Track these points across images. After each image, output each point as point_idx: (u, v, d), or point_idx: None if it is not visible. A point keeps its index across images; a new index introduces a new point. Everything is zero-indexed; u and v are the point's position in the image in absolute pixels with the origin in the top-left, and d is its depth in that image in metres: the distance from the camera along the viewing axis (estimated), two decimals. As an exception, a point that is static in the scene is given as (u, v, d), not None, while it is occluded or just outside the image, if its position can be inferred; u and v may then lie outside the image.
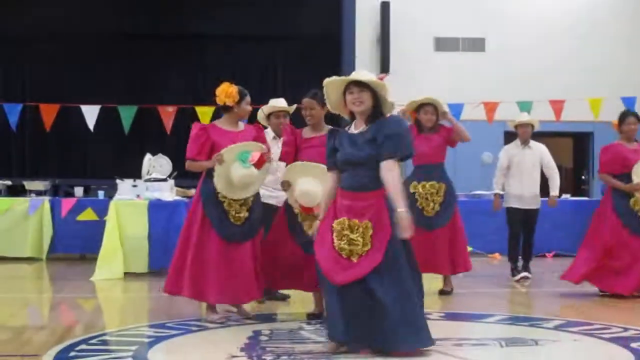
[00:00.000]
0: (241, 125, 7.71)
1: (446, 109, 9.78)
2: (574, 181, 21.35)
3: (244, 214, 7.43)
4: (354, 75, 6.08)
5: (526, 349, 6.28)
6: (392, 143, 5.90)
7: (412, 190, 9.26)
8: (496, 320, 7.67)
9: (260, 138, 7.65)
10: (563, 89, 17.56)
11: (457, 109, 15.46)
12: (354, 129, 6.10)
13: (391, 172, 5.88)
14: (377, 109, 6.04)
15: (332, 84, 6.09)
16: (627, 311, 8.63)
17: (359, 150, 5.95)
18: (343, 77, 6.09)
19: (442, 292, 9.42)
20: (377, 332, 5.76)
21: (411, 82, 18.72)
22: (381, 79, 6.21)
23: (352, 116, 6.15)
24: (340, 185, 6.07)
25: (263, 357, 5.82)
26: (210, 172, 7.38)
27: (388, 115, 6.13)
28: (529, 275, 11.00)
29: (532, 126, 11.19)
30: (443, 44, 19.83)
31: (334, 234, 5.92)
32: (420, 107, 9.50)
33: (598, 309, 8.87)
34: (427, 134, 9.40)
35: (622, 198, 9.40)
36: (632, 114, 9.91)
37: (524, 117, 11.42)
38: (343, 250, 5.87)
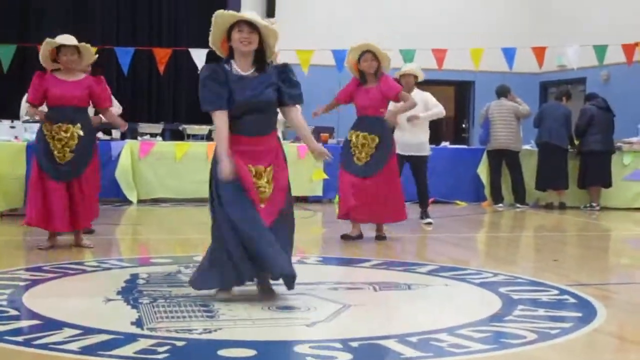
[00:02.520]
0: (81, 75, 8.24)
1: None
2: (455, 129, 21.72)
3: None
4: (248, 15, 5.96)
5: (399, 293, 6.42)
6: (297, 91, 6.10)
7: (349, 138, 9.42)
8: (371, 265, 7.80)
9: (93, 88, 8.40)
10: (446, 38, 17.78)
11: (340, 55, 15.56)
12: (240, 71, 5.97)
13: (300, 116, 6.26)
14: (261, 53, 6.00)
15: (223, 17, 5.93)
16: (495, 258, 8.92)
17: (262, 94, 5.93)
18: (235, 13, 5.96)
19: (377, 238, 9.56)
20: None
21: (297, 26, 18.76)
22: (272, 25, 6.15)
23: (229, 56, 6.03)
24: (237, 131, 5.91)
25: (140, 300, 5.83)
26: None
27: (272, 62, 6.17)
28: (430, 221, 11.28)
29: (416, 77, 11.24)
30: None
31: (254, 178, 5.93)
32: (360, 55, 9.23)
33: (468, 254, 9.13)
34: (367, 86, 9.26)
35: None
36: None
37: (407, 68, 11.48)
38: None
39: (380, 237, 9.56)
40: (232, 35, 5.91)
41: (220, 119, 5.87)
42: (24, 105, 11.75)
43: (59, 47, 8.30)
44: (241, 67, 5.98)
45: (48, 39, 8.29)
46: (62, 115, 8.28)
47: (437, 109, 11.72)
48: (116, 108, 10.20)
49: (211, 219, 6.01)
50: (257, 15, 6.06)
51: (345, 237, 9.53)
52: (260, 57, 6.01)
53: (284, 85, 6.03)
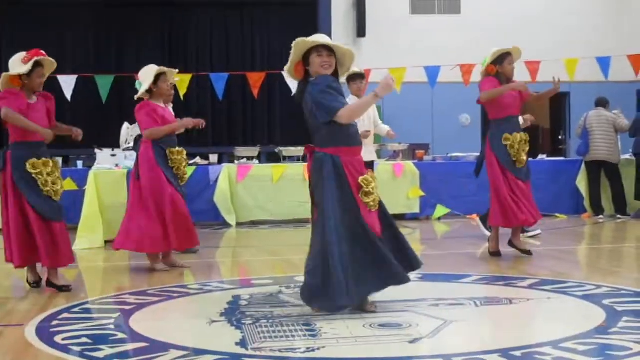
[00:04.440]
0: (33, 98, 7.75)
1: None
2: (551, 141, 21.51)
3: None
4: (326, 40, 6.21)
5: (501, 308, 6.39)
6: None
7: (504, 143, 9.13)
8: (472, 280, 7.78)
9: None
10: (538, 50, 17.60)
11: (434, 71, 15.56)
12: None
13: None
14: (335, 74, 6.27)
15: (303, 44, 6.20)
16: (598, 270, 8.80)
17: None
18: (313, 39, 6.21)
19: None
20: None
21: (388, 45, 18.86)
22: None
23: (304, 78, 6.29)
24: (346, 143, 6.18)
25: (243, 321, 5.91)
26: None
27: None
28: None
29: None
30: (419, 7, 19.85)
31: (360, 192, 6.12)
32: (502, 57, 9.18)
33: (570, 267, 9.02)
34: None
35: None
36: None
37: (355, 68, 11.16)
38: (372, 207, 6.18)
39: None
40: (312, 59, 6.18)
41: (348, 106, 6.14)
42: (124, 132, 12.07)
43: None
44: None
45: None
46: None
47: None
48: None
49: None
50: (329, 39, 6.31)
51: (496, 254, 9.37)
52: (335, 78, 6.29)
53: None
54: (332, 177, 6.08)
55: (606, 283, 7.33)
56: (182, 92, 14.42)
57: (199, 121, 9.07)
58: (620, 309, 6.08)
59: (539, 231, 11.21)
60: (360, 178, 6.11)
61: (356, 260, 6.00)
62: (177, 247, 8.88)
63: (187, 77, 14.77)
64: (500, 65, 9.12)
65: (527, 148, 9.14)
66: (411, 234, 12.57)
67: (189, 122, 8.93)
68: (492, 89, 8.99)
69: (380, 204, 6.30)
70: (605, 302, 6.39)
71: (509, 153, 9.02)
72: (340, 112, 6.02)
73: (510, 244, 9.30)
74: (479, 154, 9.84)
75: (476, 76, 15.54)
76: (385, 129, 11.67)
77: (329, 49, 6.17)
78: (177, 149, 8.80)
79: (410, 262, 6.47)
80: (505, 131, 9.08)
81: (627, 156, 14.76)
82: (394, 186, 13.91)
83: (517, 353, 4.84)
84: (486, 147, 9.21)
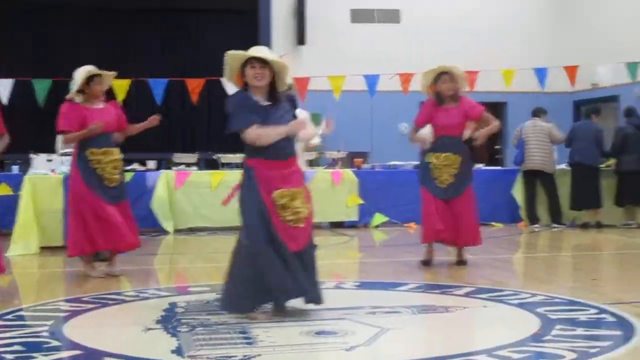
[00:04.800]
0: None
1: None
2: (488, 151, 21.67)
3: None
4: (258, 52, 6.29)
5: (437, 316, 6.43)
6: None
7: (427, 160, 9.28)
8: (409, 288, 7.81)
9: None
10: (476, 60, 17.76)
11: (373, 80, 15.64)
12: (261, 102, 6.30)
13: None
14: (274, 85, 6.33)
15: (233, 57, 6.31)
16: (533, 278, 8.90)
17: (286, 121, 6.29)
18: (244, 52, 6.29)
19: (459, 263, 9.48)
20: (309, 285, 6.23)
21: (327, 53, 18.90)
22: (281, 57, 6.51)
23: (245, 88, 6.35)
24: (265, 156, 6.21)
25: (179, 329, 5.87)
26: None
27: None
28: None
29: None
30: (359, 16, 19.93)
31: (277, 207, 6.15)
32: (437, 76, 9.19)
33: (506, 275, 9.11)
34: (446, 106, 9.18)
35: None
36: None
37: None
38: (290, 222, 6.16)
39: (462, 262, 9.46)
40: (246, 71, 6.26)
41: (257, 129, 6.17)
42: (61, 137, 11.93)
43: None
44: (258, 99, 6.32)
45: None
46: None
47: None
48: None
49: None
50: (267, 50, 6.43)
51: (426, 263, 9.40)
52: (273, 89, 6.33)
53: (294, 112, 6.47)
54: (245, 189, 6.25)
55: (541, 291, 7.40)
56: (121, 97, 14.31)
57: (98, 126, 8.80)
58: (554, 317, 6.14)
59: None
60: (275, 192, 6.15)
61: (257, 271, 6.13)
62: (105, 248, 8.74)
63: (125, 82, 14.66)
64: (435, 85, 9.21)
65: (453, 171, 9.18)
66: (349, 241, 12.61)
67: (97, 127, 8.66)
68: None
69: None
70: (540, 310, 6.45)
71: (432, 171, 9.19)
72: (245, 133, 6.18)
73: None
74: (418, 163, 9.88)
75: (415, 85, 15.69)
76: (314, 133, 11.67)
77: (262, 61, 6.23)
78: (102, 149, 8.61)
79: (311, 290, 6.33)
80: (435, 150, 9.22)
81: (562, 166, 14.94)
82: (332, 194, 13.94)
83: (453, 361, 4.88)
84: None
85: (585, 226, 14.40)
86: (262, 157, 6.21)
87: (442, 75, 9.14)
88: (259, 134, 6.15)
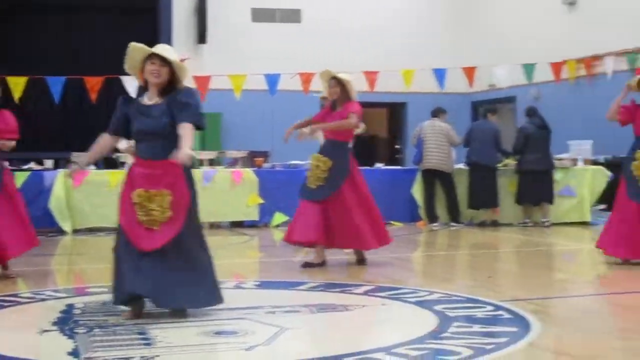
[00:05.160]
0: None
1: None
2: (388, 150, 21.89)
3: None
4: (161, 50, 6.31)
5: (336, 314, 6.45)
6: (188, 112, 6.24)
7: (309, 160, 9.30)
8: (308, 287, 7.83)
9: None
10: (376, 60, 17.94)
11: (274, 79, 15.64)
12: (147, 101, 6.35)
13: (188, 129, 6.16)
14: (171, 85, 6.33)
15: (136, 49, 6.33)
16: (431, 276, 9.01)
17: (156, 120, 6.24)
18: (146, 47, 6.31)
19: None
20: (167, 292, 6.12)
21: (228, 52, 18.85)
22: (183, 60, 6.50)
23: (146, 85, 6.39)
24: (138, 154, 6.38)
25: (76, 330, 5.79)
26: None
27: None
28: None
29: None
30: (260, 15, 19.92)
31: (135, 206, 6.17)
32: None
33: (405, 274, 9.21)
34: (336, 111, 9.22)
35: None
36: None
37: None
38: (144, 222, 6.13)
39: (361, 261, 9.44)
40: (145, 66, 6.29)
41: (102, 138, 6.68)
42: None
43: None
44: (149, 97, 6.36)
45: None
46: None
47: None
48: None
49: None
50: (170, 49, 6.44)
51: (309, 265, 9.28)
52: (170, 88, 6.33)
53: (175, 109, 6.24)
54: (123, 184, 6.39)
55: (439, 289, 7.49)
56: (17, 95, 14.07)
57: None
58: (451, 315, 6.23)
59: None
60: (135, 191, 6.19)
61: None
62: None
63: (22, 80, 14.41)
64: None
65: (321, 175, 9.15)
66: (249, 241, 12.60)
67: None
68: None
69: (188, 227, 6.27)
70: (438, 307, 6.53)
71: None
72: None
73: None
74: None
75: (316, 84, 15.76)
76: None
77: (162, 59, 6.25)
78: None
79: (163, 295, 6.19)
80: (319, 152, 9.37)
81: (460, 165, 15.14)
82: (232, 193, 13.91)
83: (351, 359, 4.90)
84: None
85: (482, 225, 14.64)
86: (137, 155, 6.38)
87: (330, 80, 9.20)
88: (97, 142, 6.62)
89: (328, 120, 9.25)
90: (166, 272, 6.11)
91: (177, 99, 6.25)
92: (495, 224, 14.64)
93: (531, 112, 14.89)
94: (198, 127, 6.31)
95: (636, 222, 9.02)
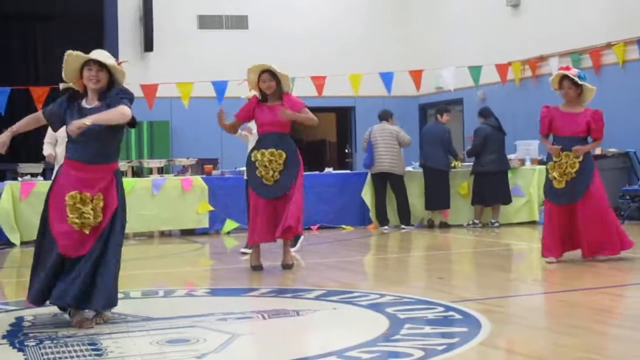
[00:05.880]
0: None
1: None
2: (338, 155, 21.93)
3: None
4: (96, 55, 6.36)
5: (288, 320, 6.46)
6: (121, 95, 6.31)
7: (253, 159, 9.16)
8: (260, 293, 7.84)
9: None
10: (324, 64, 17.99)
11: (221, 86, 15.62)
12: (86, 104, 6.37)
13: (111, 110, 6.19)
14: (110, 90, 6.39)
15: (72, 57, 6.37)
16: (383, 279, 9.05)
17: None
18: (83, 54, 6.35)
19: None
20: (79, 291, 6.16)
21: (175, 60, 18.77)
22: (120, 64, 6.51)
23: (85, 90, 6.41)
24: (69, 156, 6.35)
25: (26, 343, 5.74)
26: None
27: None
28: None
29: None
30: (206, 22, 19.88)
31: (67, 208, 6.17)
32: (259, 75, 9.20)
33: (356, 277, 9.24)
34: (271, 104, 9.18)
35: None
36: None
37: None
38: (75, 224, 6.15)
39: (286, 266, 9.40)
40: (83, 73, 6.34)
41: (35, 114, 6.72)
42: None
43: None
44: (88, 101, 6.39)
45: None
46: None
47: None
48: None
49: None
50: (106, 53, 6.47)
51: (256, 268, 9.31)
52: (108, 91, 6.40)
53: (111, 102, 6.30)
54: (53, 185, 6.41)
55: (390, 292, 7.52)
56: (-39, 106, 13.93)
57: None
58: (402, 317, 6.26)
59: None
60: (68, 194, 6.19)
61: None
62: None
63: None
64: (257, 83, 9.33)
65: (279, 167, 9.09)
66: (200, 248, 12.56)
67: None
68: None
69: (111, 230, 6.30)
70: (389, 310, 6.56)
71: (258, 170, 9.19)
72: None
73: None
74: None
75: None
76: None
77: (99, 64, 6.30)
78: None
79: (90, 295, 6.21)
80: (259, 148, 9.23)
81: (410, 168, 15.20)
82: (182, 201, 13.86)
83: (304, 364, 4.92)
84: None
85: (430, 226, 14.70)
86: (68, 157, 6.35)
87: (263, 73, 9.19)
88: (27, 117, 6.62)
89: (261, 114, 9.21)
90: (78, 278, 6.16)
91: (111, 94, 6.30)
92: (443, 225, 14.73)
93: (486, 113, 14.91)
94: (130, 124, 6.36)
95: (552, 221, 9.37)
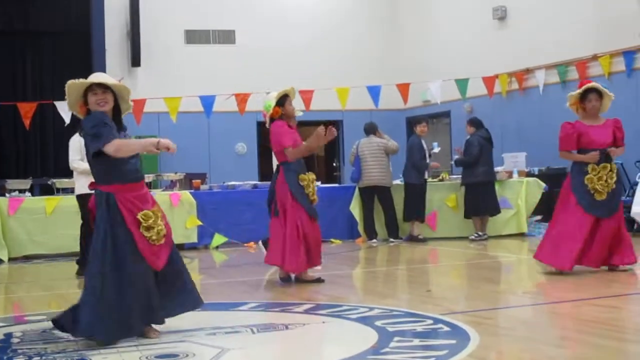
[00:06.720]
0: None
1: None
2: (326, 168, 21.93)
3: None
4: (97, 78, 6.32)
5: (277, 334, 6.46)
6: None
7: (301, 183, 9.24)
8: (249, 307, 7.83)
9: None
10: (312, 79, 18.01)
11: (209, 100, 15.64)
12: None
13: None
14: (117, 108, 6.40)
15: (76, 85, 6.29)
16: (371, 292, 9.05)
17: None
18: (86, 80, 6.29)
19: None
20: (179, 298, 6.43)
21: (163, 75, 18.79)
22: (119, 81, 6.54)
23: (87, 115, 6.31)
24: (120, 180, 6.20)
25: (14, 360, 5.74)
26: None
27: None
28: None
29: None
30: (193, 37, 19.91)
31: (141, 227, 6.18)
32: (282, 99, 9.31)
33: (345, 291, 9.24)
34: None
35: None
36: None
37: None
38: (154, 240, 6.22)
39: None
40: (89, 98, 6.27)
41: (118, 140, 6.14)
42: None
43: None
44: None
45: None
46: None
47: None
48: None
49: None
50: (106, 76, 6.48)
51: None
52: (118, 111, 6.42)
53: None
54: (104, 215, 6.16)
55: (379, 305, 7.53)
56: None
57: None
58: (391, 330, 6.27)
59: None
60: (140, 214, 6.17)
61: (124, 295, 6.09)
62: None
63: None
64: (282, 107, 9.30)
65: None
66: (189, 263, 12.51)
67: None
68: (297, 149, 9.23)
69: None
70: (378, 323, 6.57)
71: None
72: (109, 145, 6.03)
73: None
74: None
75: (252, 105, 15.81)
76: None
77: (103, 86, 6.25)
78: None
79: (184, 301, 6.51)
80: (299, 172, 9.28)
81: (397, 181, 15.22)
82: (171, 216, 13.77)
83: (293, 377, 4.91)
84: None
85: (412, 239, 14.62)
86: (118, 182, 6.18)
87: (287, 97, 9.39)
88: (120, 145, 6.09)
89: (299, 137, 9.38)
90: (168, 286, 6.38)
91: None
92: (414, 238, 14.65)
93: (478, 124, 14.83)
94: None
95: (583, 233, 9.21)
